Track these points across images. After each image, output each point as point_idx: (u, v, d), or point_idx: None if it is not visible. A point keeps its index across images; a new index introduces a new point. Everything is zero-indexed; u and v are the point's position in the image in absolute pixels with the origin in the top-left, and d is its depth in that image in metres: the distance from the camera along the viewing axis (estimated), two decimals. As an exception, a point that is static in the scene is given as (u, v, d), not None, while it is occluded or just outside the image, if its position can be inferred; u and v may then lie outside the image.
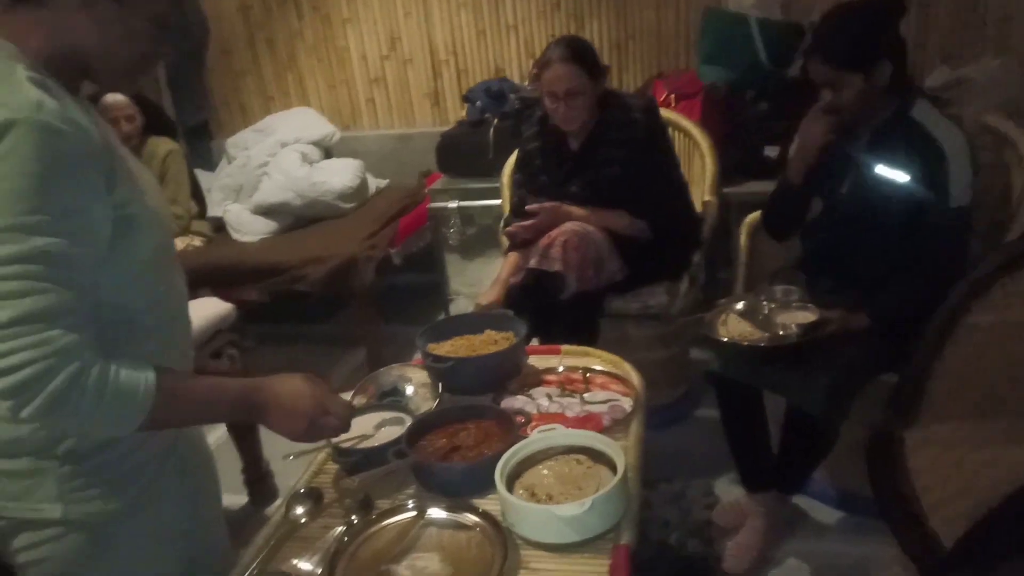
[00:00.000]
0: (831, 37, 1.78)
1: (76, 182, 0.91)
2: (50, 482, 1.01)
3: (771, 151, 2.84)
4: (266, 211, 3.35)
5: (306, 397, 1.10)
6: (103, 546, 1.06)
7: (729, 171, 2.71)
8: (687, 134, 2.68)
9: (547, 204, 2.24)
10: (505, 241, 2.47)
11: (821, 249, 1.96)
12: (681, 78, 3.03)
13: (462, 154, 3.20)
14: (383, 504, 1.29)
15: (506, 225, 2.43)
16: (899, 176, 1.76)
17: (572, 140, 2.27)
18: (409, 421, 1.45)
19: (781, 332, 1.77)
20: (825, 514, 2.10)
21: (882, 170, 1.78)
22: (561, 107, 2.14)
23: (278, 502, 1.37)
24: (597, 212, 2.24)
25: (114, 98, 2.91)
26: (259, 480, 2.42)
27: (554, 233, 2.17)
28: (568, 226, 2.18)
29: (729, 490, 2.13)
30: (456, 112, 3.63)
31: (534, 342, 2.08)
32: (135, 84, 1.10)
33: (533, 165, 2.36)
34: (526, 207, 2.27)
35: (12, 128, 0.86)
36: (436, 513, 1.24)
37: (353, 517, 1.24)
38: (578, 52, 2.13)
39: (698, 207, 2.55)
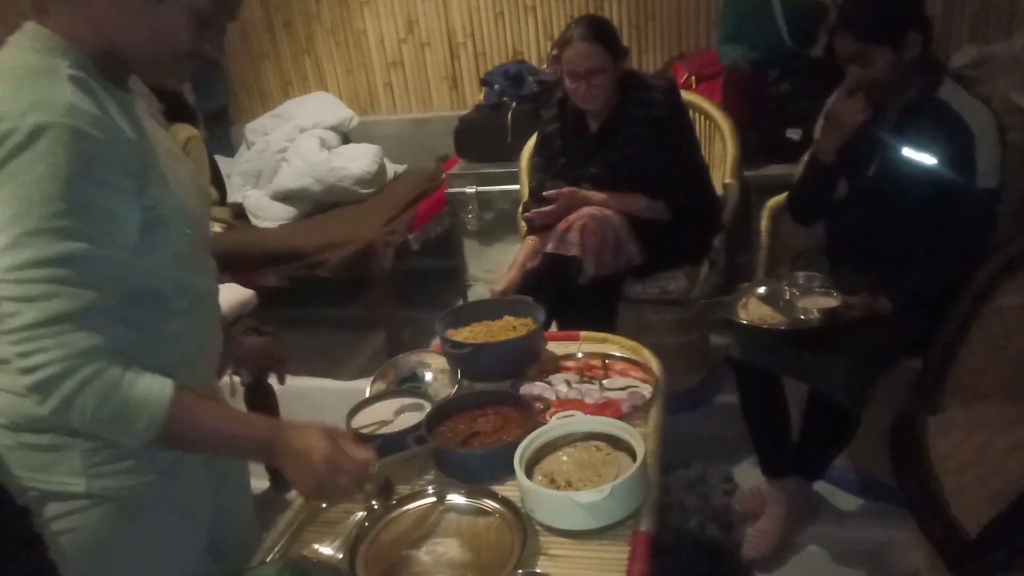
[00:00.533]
0: (860, 10, 1.74)
1: (104, 186, 0.92)
2: (74, 457, 1.04)
3: (793, 133, 2.80)
4: (285, 197, 3.36)
5: (317, 454, 1.02)
6: (128, 520, 1.08)
7: (750, 153, 2.67)
8: (707, 116, 2.65)
9: (565, 189, 2.23)
10: (524, 226, 2.46)
11: (845, 232, 1.93)
12: (701, 59, 2.99)
13: (480, 138, 3.19)
14: (403, 490, 1.30)
15: (525, 210, 2.42)
16: (926, 157, 1.73)
17: (592, 121, 2.25)
18: (428, 407, 1.46)
19: (803, 316, 1.75)
20: (846, 500, 2.09)
21: (909, 151, 1.75)
22: (582, 86, 2.13)
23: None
24: (615, 196, 2.22)
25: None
26: None
27: (572, 217, 2.16)
28: (586, 210, 2.17)
29: (749, 476, 2.12)
30: (474, 96, 3.60)
31: (552, 327, 2.08)
32: (180, 80, 1.11)
33: (552, 147, 2.34)
34: (543, 192, 2.26)
35: (45, 132, 0.87)
36: (456, 499, 1.25)
37: (373, 502, 1.25)
38: (600, 30, 2.12)
39: (718, 190, 2.52)
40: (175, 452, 1.09)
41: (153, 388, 0.95)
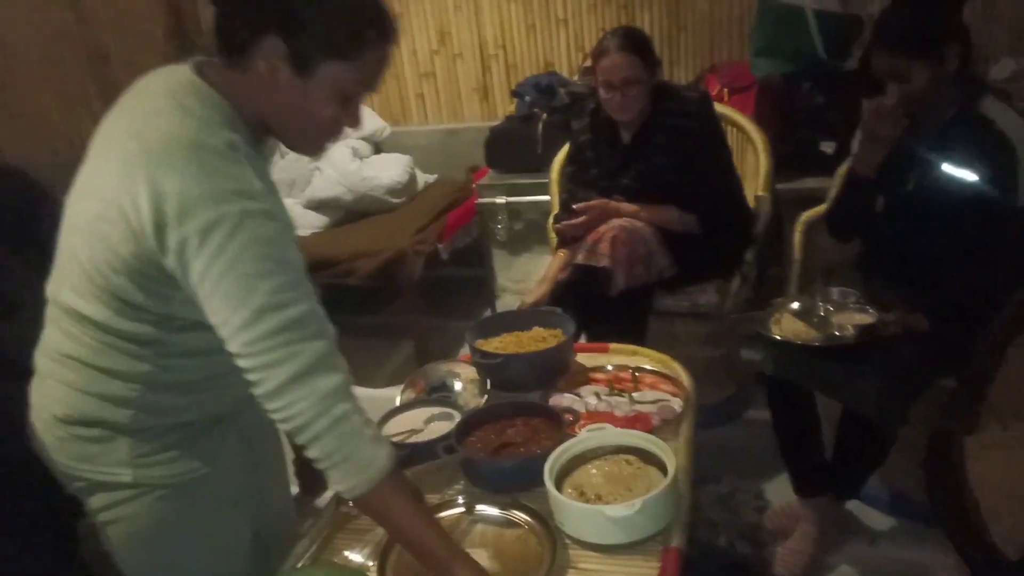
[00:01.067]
0: (897, 24, 1.72)
1: (293, 246, 1.04)
2: (121, 447, 1.09)
3: (827, 146, 2.77)
4: (318, 206, 3.40)
5: None
6: (174, 508, 1.13)
7: (782, 166, 2.65)
8: (740, 128, 2.63)
9: (595, 202, 2.23)
10: (554, 238, 2.46)
11: (881, 247, 1.90)
12: (733, 71, 2.97)
13: (510, 149, 3.20)
14: (432, 499, 1.30)
15: (556, 222, 2.42)
16: (966, 173, 1.70)
17: (624, 132, 2.25)
18: (458, 417, 1.46)
19: (838, 333, 1.73)
20: (878, 519, 2.05)
21: (949, 167, 1.72)
22: (616, 96, 2.13)
23: (328, 492, 1.40)
24: (646, 208, 2.22)
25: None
26: (309, 469, 2.44)
27: (602, 229, 2.16)
28: (616, 222, 2.16)
29: (779, 493, 2.09)
30: (505, 107, 3.62)
31: (581, 339, 2.08)
32: (319, 150, 1.18)
33: (584, 157, 2.35)
34: (573, 206, 2.26)
35: (248, 218, 0.96)
36: (485, 509, 1.25)
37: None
38: (635, 41, 2.12)
39: (750, 203, 2.50)
40: (216, 440, 1.16)
41: (378, 456, 1.03)
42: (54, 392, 1.10)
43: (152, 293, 1.01)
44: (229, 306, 0.96)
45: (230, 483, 1.19)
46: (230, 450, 1.19)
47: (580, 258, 2.16)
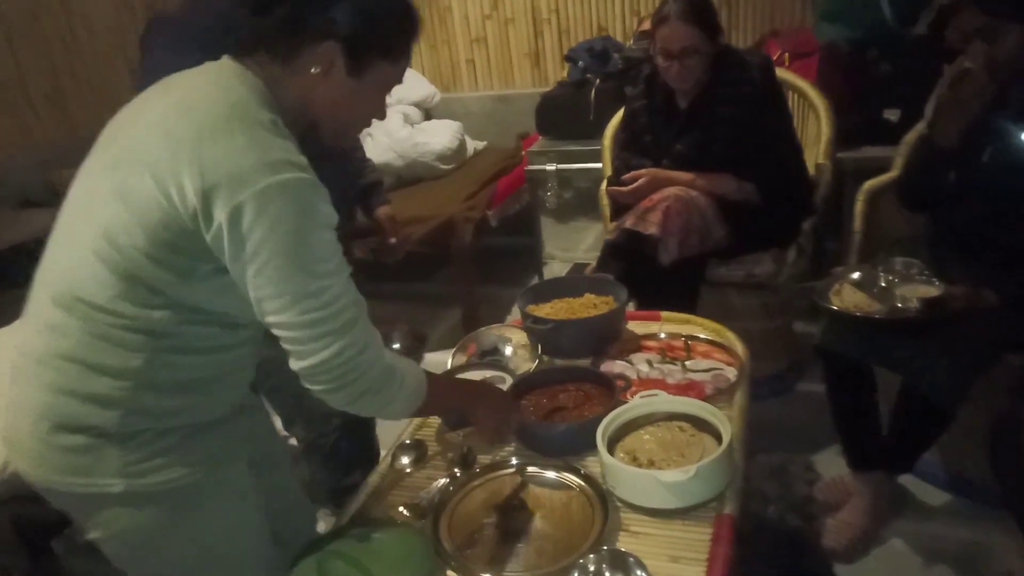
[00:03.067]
0: None
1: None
2: (110, 457, 1.01)
3: (891, 114, 2.67)
4: (369, 171, 3.43)
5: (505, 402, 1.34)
6: (177, 514, 1.06)
7: (845, 135, 2.56)
8: (802, 94, 2.55)
9: (646, 171, 2.18)
10: (607, 205, 2.43)
11: (952, 221, 1.83)
12: (797, 36, 2.88)
13: (562, 115, 3.16)
14: (484, 460, 1.31)
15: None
16: None
17: (681, 99, 2.20)
18: (509, 380, 1.47)
19: (900, 305, 1.67)
20: (933, 495, 2.00)
21: None
22: (675, 66, 2.07)
23: (384, 452, 1.42)
24: (702, 176, 2.17)
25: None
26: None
27: (656, 196, 2.12)
28: (671, 191, 2.12)
29: (831, 466, 2.06)
30: (557, 72, 3.58)
31: (631, 307, 2.06)
32: (349, 143, 1.29)
33: (639, 123, 2.30)
34: (622, 177, 2.22)
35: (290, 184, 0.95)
36: (536, 472, 1.26)
37: (456, 471, 1.27)
38: (697, 9, 2.05)
39: (811, 171, 2.43)
40: (212, 442, 1.09)
41: (418, 373, 1.13)
42: (33, 399, 1.02)
43: (173, 272, 0.97)
44: (284, 276, 0.94)
45: (233, 481, 1.13)
46: (229, 449, 1.12)
47: (629, 223, 2.13)
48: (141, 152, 0.96)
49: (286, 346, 1.00)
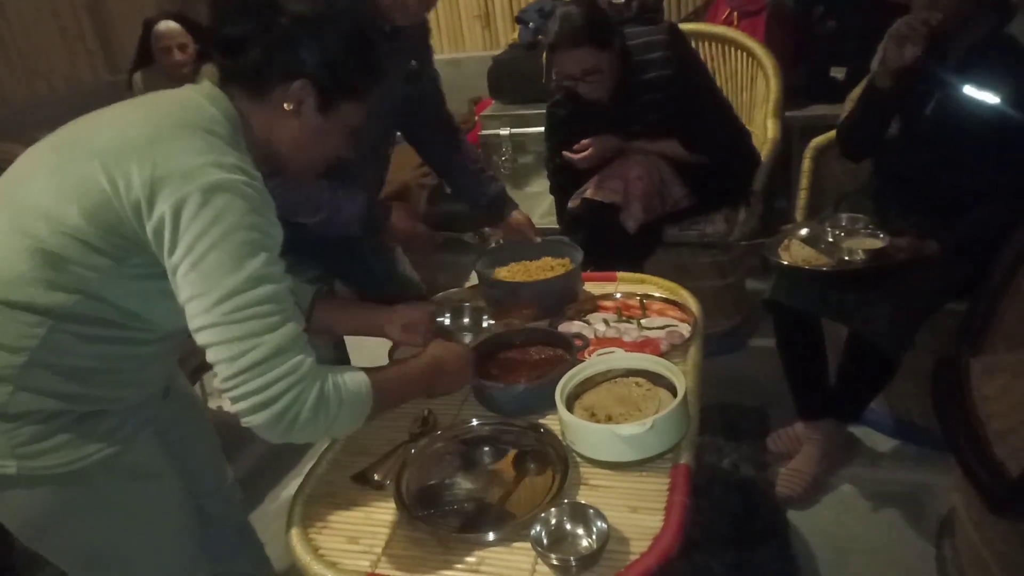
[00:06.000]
0: None
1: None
2: (1, 439, 0.99)
3: (838, 72, 2.72)
4: (319, 139, 3.36)
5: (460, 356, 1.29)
6: (83, 494, 1.04)
7: (793, 93, 2.60)
8: (750, 53, 2.57)
9: (595, 138, 2.13)
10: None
11: (896, 172, 1.88)
12: (744, -6, 2.89)
13: (514, 79, 3.14)
14: (445, 422, 1.32)
15: (552, 176, 2.34)
16: (990, 96, 1.66)
17: (602, 96, 2.10)
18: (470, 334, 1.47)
19: (847, 258, 1.72)
20: (881, 442, 2.08)
21: (971, 90, 1.68)
22: (581, 85, 2.02)
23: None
24: (651, 143, 2.16)
25: (166, 25, 2.91)
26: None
27: (614, 164, 2.12)
28: (629, 157, 2.12)
29: (783, 418, 2.13)
30: (508, 35, 3.54)
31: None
32: (315, 177, 1.25)
33: (565, 131, 2.23)
34: (575, 147, 2.15)
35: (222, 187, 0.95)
36: (497, 431, 1.27)
37: (416, 432, 1.28)
38: (587, 30, 1.94)
39: (759, 130, 2.46)
40: (115, 422, 1.06)
41: (357, 379, 1.04)
42: None
43: (106, 257, 0.96)
44: (218, 273, 0.92)
45: (138, 464, 1.10)
46: (132, 429, 1.09)
47: (589, 192, 2.13)
48: (93, 139, 0.98)
49: (212, 358, 0.94)
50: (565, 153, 2.20)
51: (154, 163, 0.93)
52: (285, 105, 1.05)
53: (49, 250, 0.95)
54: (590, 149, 2.14)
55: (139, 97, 1.08)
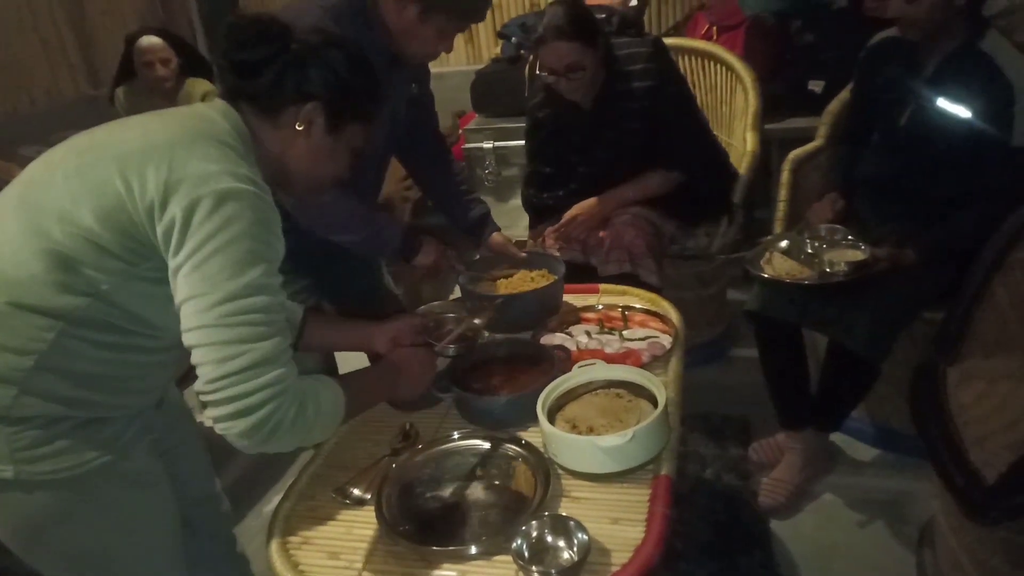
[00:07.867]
0: None
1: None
2: (0, 443, 0.99)
3: (815, 85, 2.76)
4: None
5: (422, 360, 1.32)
6: (80, 499, 1.05)
7: (771, 106, 2.63)
8: (729, 67, 2.60)
9: (570, 212, 2.13)
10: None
11: (872, 182, 1.91)
12: (723, 9, 2.93)
13: (497, 93, 3.16)
14: (427, 435, 1.32)
15: (526, 200, 2.35)
16: (962, 110, 1.69)
17: (583, 100, 2.11)
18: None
19: (828, 270, 1.74)
20: (862, 451, 2.10)
21: (944, 103, 1.71)
22: (563, 81, 2.01)
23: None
24: (629, 187, 2.14)
25: (149, 40, 2.90)
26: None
27: (604, 236, 2.09)
28: (616, 221, 2.09)
29: (765, 427, 2.14)
30: (490, 49, 3.56)
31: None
32: (322, 196, 1.31)
33: (545, 133, 2.24)
34: (548, 230, 2.15)
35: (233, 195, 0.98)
36: (479, 444, 1.27)
37: (398, 446, 1.28)
38: (572, 24, 1.95)
39: (738, 143, 2.49)
40: (113, 429, 1.07)
41: (330, 393, 1.07)
42: None
43: (119, 261, 0.97)
44: (219, 276, 0.94)
45: (133, 471, 1.10)
46: (131, 437, 1.10)
47: (601, 271, 2.08)
48: (115, 144, 1.01)
49: (198, 360, 0.95)
50: (549, 229, 2.16)
51: (170, 167, 0.96)
52: (296, 125, 1.09)
53: (62, 252, 0.96)
54: (577, 218, 2.13)
55: (160, 111, 1.12)
